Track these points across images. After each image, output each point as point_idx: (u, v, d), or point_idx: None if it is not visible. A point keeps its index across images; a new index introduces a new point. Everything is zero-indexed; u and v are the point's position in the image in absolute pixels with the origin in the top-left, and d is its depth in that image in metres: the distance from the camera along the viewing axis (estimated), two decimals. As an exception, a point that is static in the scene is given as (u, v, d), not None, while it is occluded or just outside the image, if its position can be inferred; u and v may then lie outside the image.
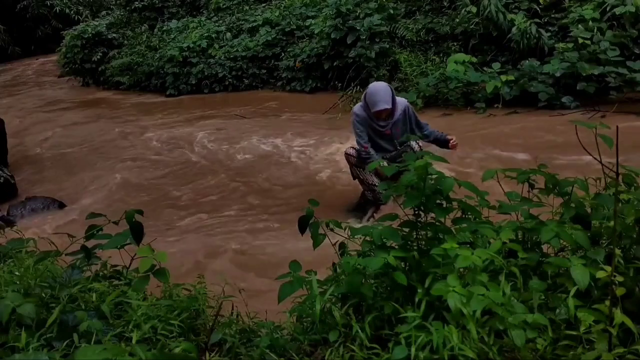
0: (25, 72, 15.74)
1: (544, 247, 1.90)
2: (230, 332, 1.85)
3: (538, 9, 7.97)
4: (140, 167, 6.49)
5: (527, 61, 7.39)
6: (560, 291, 1.67)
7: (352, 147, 4.47)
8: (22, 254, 2.25)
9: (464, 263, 1.62)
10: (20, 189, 5.95)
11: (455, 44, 8.40)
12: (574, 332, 1.52)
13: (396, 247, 1.80)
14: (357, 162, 4.41)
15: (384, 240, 1.77)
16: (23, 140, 8.11)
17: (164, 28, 11.83)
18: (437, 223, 1.87)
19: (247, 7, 11.64)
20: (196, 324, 1.92)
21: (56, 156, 7.26)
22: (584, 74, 6.64)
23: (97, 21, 13.20)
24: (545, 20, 7.90)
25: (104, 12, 15.00)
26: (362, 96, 4.35)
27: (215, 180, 5.84)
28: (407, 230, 1.90)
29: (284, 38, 10.06)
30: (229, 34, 10.79)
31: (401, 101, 4.36)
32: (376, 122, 4.28)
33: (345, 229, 1.98)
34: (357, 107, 4.36)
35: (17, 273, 2.05)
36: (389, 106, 4.14)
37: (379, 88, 4.20)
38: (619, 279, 1.54)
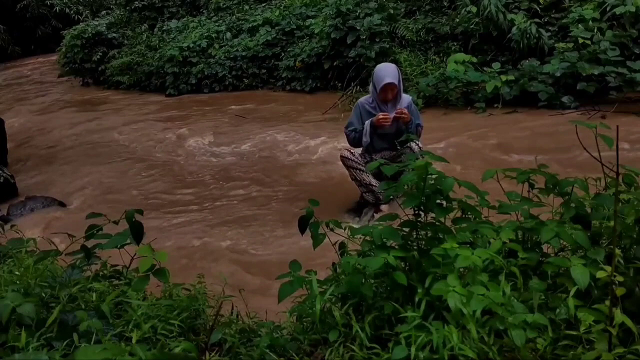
0: (25, 71, 15.72)
1: (544, 247, 1.90)
2: (230, 332, 1.85)
3: (538, 9, 7.96)
4: (140, 167, 6.49)
5: (527, 61, 7.39)
6: (560, 291, 1.67)
7: (347, 149, 4.46)
8: (22, 254, 2.25)
9: (464, 263, 1.62)
10: (20, 188, 5.94)
11: (455, 43, 8.40)
12: (574, 332, 1.52)
13: (396, 247, 1.80)
14: (353, 163, 4.40)
15: (384, 240, 1.77)
16: (23, 140, 8.11)
17: (164, 28, 11.82)
18: (437, 223, 1.87)
19: (247, 7, 11.63)
20: (196, 323, 1.92)
21: (56, 156, 7.26)
22: (584, 74, 6.64)
23: (97, 21, 13.19)
24: (545, 20, 7.90)
25: (103, 12, 14.98)
26: (370, 81, 4.40)
27: (215, 180, 5.84)
28: (407, 230, 1.90)
29: (284, 38, 10.06)
30: (229, 34, 10.78)
31: (406, 96, 4.40)
32: (380, 107, 4.29)
33: (345, 229, 1.98)
34: (363, 98, 4.45)
35: (17, 273, 2.05)
36: (395, 81, 4.16)
37: (386, 65, 4.31)
38: (619, 279, 1.54)
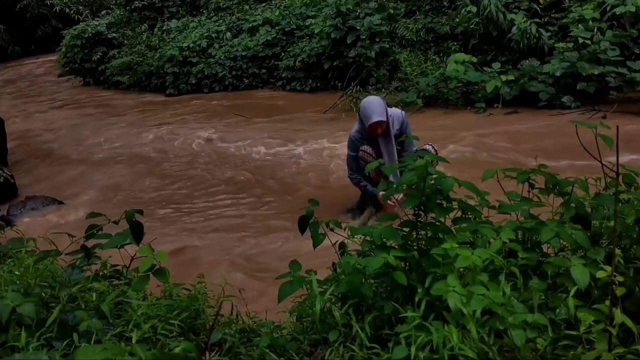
0: (25, 71, 15.73)
1: (544, 247, 1.90)
2: (230, 332, 1.85)
3: (538, 9, 7.97)
4: (140, 167, 6.49)
5: (527, 61, 7.39)
6: (560, 291, 1.67)
7: (364, 151, 4.34)
8: (22, 254, 2.25)
9: (464, 263, 1.62)
10: (20, 188, 5.95)
11: (455, 43, 8.41)
12: (574, 332, 1.52)
13: (396, 247, 1.80)
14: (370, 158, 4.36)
15: (384, 240, 1.77)
16: (23, 140, 8.11)
17: (164, 28, 11.83)
18: (437, 223, 1.87)
19: (247, 7, 11.63)
20: (196, 323, 1.92)
21: (56, 155, 7.26)
22: (584, 74, 6.64)
23: (97, 21, 13.20)
24: (545, 20, 7.90)
25: (103, 12, 14.99)
26: (357, 116, 4.28)
27: (214, 180, 5.84)
28: (407, 230, 1.90)
29: (284, 38, 10.06)
30: (229, 34, 10.79)
31: (397, 114, 4.28)
32: (370, 140, 4.21)
33: (345, 229, 1.98)
34: (354, 131, 4.31)
35: (17, 273, 2.05)
36: (383, 119, 4.05)
37: (372, 101, 4.14)
38: (619, 279, 1.54)
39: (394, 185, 2.00)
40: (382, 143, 4.22)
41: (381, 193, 4.19)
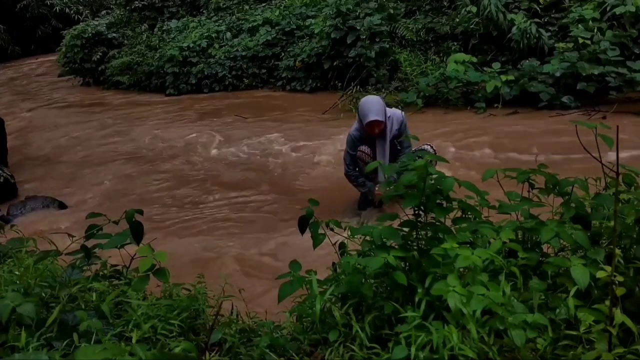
0: (25, 71, 15.73)
1: (544, 247, 1.90)
2: (230, 332, 1.85)
3: (538, 9, 7.96)
4: (140, 167, 6.49)
5: (527, 61, 7.39)
6: (560, 291, 1.67)
7: (362, 151, 4.37)
8: (22, 254, 2.25)
9: (464, 263, 1.62)
10: (20, 188, 5.95)
11: (455, 43, 8.40)
12: (574, 332, 1.52)
13: (396, 247, 1.80)
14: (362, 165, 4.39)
15: (384, 240, 1.77)
16: (23, 140, 8.11)
17: (164, 28, 11.83)
18: (437, 223, 1.87)
19: (247, 7, 11.63)
20: (196, 323, 1.92)
21: (56, 156, 7.26)
22: (584, 74, 6.64)
23: (97, 21, 13.20)
24: (545, 20, 7.90)
25: (103, 12, 14.99)
26: (357, 115, 4.32)
27: (213, 180, 5.84)
28: (407, 230, 1.90)
29: (284, 38, 10.06)
30: (229, 34, 10.79)
31: (397, 115, 4.29)
32: (369, 140, 4.23)
33: (345, 229, 1.98)
34: (353, 128, 4.35)
35: (17, 272, 2.05)
36: (381, 118, 4.06)
37: (371, 100, 4.17)
38: (619, 279, 1.54)
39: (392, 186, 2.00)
40: (378, 143, 4.23)
41: (378, 187, 4.25)
